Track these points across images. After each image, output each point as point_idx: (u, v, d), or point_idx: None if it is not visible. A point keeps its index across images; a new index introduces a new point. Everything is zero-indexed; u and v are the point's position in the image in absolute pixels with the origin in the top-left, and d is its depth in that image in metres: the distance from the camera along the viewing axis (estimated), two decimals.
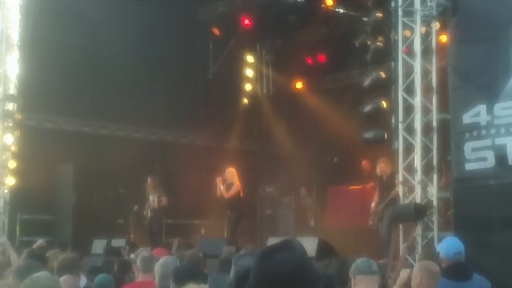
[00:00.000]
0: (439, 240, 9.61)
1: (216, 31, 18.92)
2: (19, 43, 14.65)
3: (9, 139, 14.51)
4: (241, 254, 3.44)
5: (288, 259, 2.30)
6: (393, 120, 11.00)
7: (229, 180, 14.71)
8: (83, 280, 7.40)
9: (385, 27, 12.03)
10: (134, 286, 7.06)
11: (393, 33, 11.16)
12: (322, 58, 19.88)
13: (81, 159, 15.67)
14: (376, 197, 13.32)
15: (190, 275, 5.39)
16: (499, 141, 9.14)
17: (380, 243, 12.70)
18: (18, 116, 14.76)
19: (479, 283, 6.42)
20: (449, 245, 6.70)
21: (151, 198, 15.69)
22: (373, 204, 13.32)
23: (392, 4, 11.00)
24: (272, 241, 12.70)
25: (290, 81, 20.72)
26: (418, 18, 10.59)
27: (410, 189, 10.62)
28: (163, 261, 6.32)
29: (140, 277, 6.96)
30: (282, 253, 2.32)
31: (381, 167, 12.93)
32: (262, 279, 2.31)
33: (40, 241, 11.65)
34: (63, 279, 5.82)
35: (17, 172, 14.54)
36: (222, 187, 14.53)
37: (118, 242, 13.79)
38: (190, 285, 4.36)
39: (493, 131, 9.21)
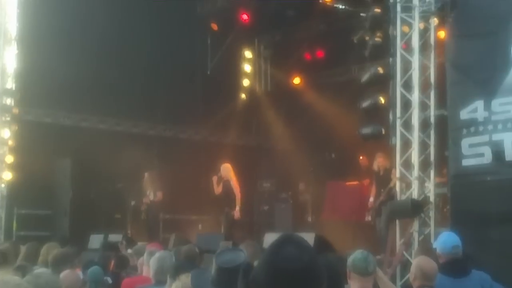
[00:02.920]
0: (436, 236, 9.62)
1: (214, 26, 18.91)
2: (17, 37, 14.64)
3: (7, 133, 14.51)
4: (222, 250, 3.46)
5: (299, 255, 2.35)
6: (390, 116, 11.00)
7: (225, 177, 14.67)
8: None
9: (384, 23, 12.02)
10: (137, 280, 7.11)
11: (391, 29, 11.15)
12: (320, 53, 19.85)
13: (79, 154, 15.64)
14: (373, 192, 13.33)
15: (188, 271, 5.40)
16: (496, 137, 9.15)
17: (377, 238, 12.71)
18: (15, 111, 14.76)
19: (478, 277, 6.40)
20: (446, 240, 6.69)
21: (148, 193, 15.70)
22: (371, 199, 13.33)
23: None
24: (269, 236, 12.72)
25: (288, 77, 20.68)
26: (416, 13, 10.58)
27: (407, 185, 10.62)
28: (160, 256, 6.35)
29: (144, 271, 7.01)
30: (291, 248, 2.36)
31: (379, 162, 12.94)
32: (273, 273, 2.34)
33: None
34: (65, 273, 5.85)
35: (14, 167, 14.53)
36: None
37: (115, 237, 13.78)
38: (183, 277, 4.38)
39: (490, 127, 9.21)
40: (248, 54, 20.77)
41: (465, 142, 9.48)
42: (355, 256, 5.25)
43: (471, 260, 6.98)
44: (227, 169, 14.69)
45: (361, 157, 16.41)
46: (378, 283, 5.45)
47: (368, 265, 5.18)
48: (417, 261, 6.16)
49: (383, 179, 12.76)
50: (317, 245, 11.45)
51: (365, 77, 12.39)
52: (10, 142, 14.52)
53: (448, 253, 6.48)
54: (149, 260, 6.83)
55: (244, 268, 2.50)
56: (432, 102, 10.54)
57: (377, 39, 12.55)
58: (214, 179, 14.59)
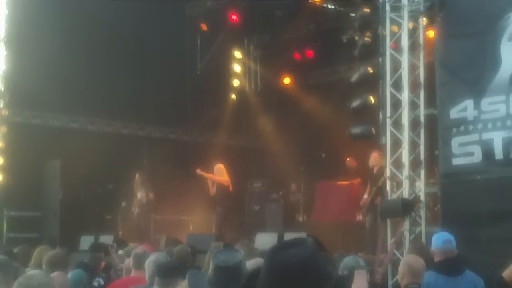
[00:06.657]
0: (427, 235, 9.66)
1: (204, 26, 18.91)
2: (5, 39, 14.58)
3: None
4: (219, 250, 3.47)
5: (298, 253, 2.34)
6: (380, 116, 11.02)
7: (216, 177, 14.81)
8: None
9: (373, 23, 12.04)
10: (125, 281, 7.06)
11: (380, 29, 11.18)
12: (309, 53, 19.90)
13: (69, 155, 15.57)
14: (368, 189, 13.27)
15: (175, 270, 5.38)
16: (486, 136, 9.19)
17: (366, 235, 12.69)
18: (4, 112, 14.71)
19: (471, 278, 6.42)
20: (438, 236, 6.75)
21: (138, 194, 15.67)
22: (365, 196, 13.22)
23: None
24: (260, 236, 12.73)
25: (278, 77, 20.72)
26: (405, 13, 10.60)
27: (398, 184, 10.64)
28: (156, 258, 6.30)
29: (132, 273, 6.95)
30: (293, 248, 2.37)
31: (374, 159, 12.76)
32: (272, 272, 2.35)
33: None
34: (54, 275, 5.80)
35: (4, 169, 14.49)
36: (211, 186, 14.65)
37: (106, 239, 13.72)
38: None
39: (480, 126, 9.26)
40: (237, 54, 20.79)
41: (455, 141, 9.52)
42: (345, 258, 5.39)
43: (464, 259, 7.01)
44: (220, 170, 14.71)
45: (348, 159, 16.37)
46: None
47: (358, 259, 5.35)
48: (405, 259, 6.22)
49: (376, 176, 12.69)
50: None
51: (354, 76, 12.39)
52: (0, 144, 14.46)
53: (440, 248, 6.51)
54: (137, 262, 6.78)
55: (248, 274, 2.50)
56: (421, 102, 10.57)
57: (366, 39, 12.54)
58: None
